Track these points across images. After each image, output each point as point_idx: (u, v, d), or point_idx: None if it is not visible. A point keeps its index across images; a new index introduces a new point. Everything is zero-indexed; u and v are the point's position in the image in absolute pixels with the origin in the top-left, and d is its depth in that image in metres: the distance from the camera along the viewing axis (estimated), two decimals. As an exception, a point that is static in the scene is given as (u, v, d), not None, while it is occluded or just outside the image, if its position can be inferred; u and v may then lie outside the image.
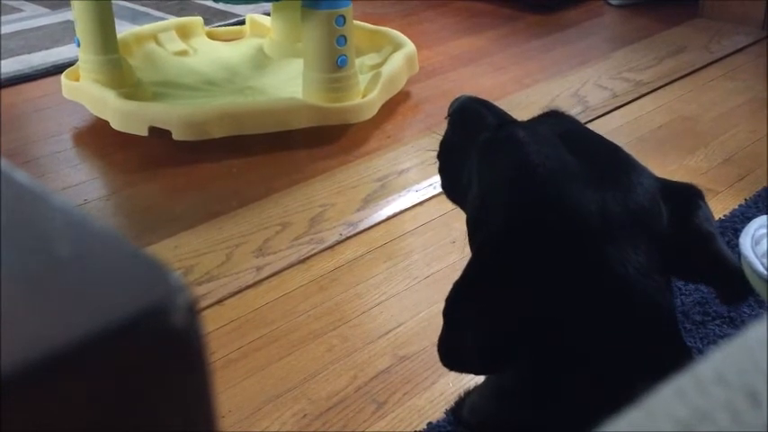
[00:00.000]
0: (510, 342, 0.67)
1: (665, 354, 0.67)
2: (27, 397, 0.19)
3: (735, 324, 1.11)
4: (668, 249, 0.67)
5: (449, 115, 0.84)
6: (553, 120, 0.76)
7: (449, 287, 0.81)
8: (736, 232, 1.27)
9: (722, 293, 0.74)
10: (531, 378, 0.69)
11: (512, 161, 0.71)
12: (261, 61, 1.95)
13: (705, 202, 0.72)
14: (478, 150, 0.76)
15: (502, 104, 1.98)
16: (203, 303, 1.18)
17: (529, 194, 0.68)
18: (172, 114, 1.58)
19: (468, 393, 0.82)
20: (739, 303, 0.93)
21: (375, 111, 1.69)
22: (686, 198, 0.71)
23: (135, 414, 0.21)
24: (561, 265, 0.65)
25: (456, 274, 0.69)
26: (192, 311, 0.21)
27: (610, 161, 0.70)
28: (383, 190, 1.48)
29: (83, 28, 1.66)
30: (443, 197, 1.45)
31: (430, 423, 0.97)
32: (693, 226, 0.70)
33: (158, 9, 2.42)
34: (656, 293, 0.66)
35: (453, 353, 0.70)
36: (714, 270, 0.71)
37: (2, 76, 1.97)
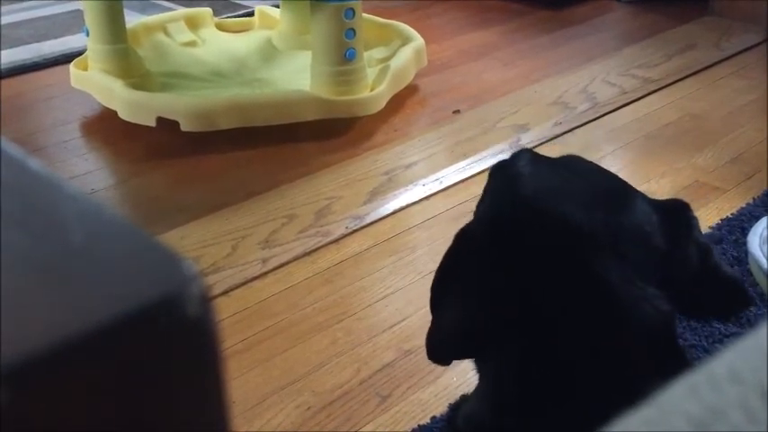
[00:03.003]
0: (480, 328, 0.68)
1: (653, 359, 0.67)
2: (42, 384, 0.19)
3: (740, 322, 1.11)
4: (667, 266, 0.67)
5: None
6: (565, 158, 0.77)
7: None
8: (744, 231, 1.27)
9: (720, 307, 0.73)
10: (517, 382, 0.70)
11: (509, 173, 0.73)
12: (269, 53, 1.95)
13: (693, 215, 0.72)
14: (490, 173, 0.78)
15: (510, 100, 1.98)
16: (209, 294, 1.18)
17: (510, 194, 0.71)
18: (180, 105, 1.58)
19: (463, 401, 0.82)
20: (739, 312, 0.92)
21: (383, 104, 1.69)
22: (679, 215, 0.71)
23: (149, 402, 0.21)
24: (534, 260, 0.66)
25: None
26: (206, 301, 0.21)
27: (604, 181, 0.71)
28: (390, 184, 1.48)
29: (92, 17, 1.66)
30: (450, 191, 1.46)
31: (434, 417, 0.97)
32: (690, 241, 0.70)
33: (167, 0, 2.42)
34: (641, 301, 0.66)
35: (434, 338, 0.71)
36: (714, 281, 0.71)
37: (11, 65, 1.97)
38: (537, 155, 0.78)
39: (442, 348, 0.73)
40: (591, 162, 0.77)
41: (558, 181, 0.70)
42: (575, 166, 0.74)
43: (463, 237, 0.71)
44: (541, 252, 0.66)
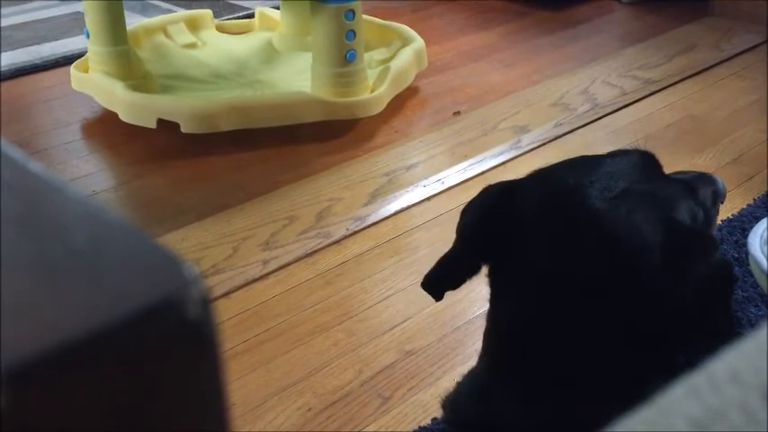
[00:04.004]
0: (460, 257, 0.76)
1: (618, 356, 0.68)
2: (44, 385, 0.19)
3: (741, 324, 1.11)
4: (653, 284, 0.66)
5: None
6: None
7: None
8: (744, 232, 1.27)
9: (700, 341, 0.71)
10: (494, 370, 0.74)
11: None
12: (269, 55, 1.95)
13: (707, 257, 0.68)
14: None
15: (511, 101, 1.98)
16: (210, 296, 1.18)
17: (539, 170, 0.76)
18: (180, 107, 1.58)
19: (452, 391, 0.83)
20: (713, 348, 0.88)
21: (383, 106, 1.69)
22: (688, 244, 0.68)
23: (149, 403, 0.21)
24: (530, 217, 0.71)
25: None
26: (206, 303, 0.21)
27: (639, 185, 0.71)
28: (391, 185, 1.48)
29: (92, 19, 1.66)
30: (451, 192, 1.46)
31: (434, 419, 0.97)
32: (685, 280, 0.67)
33: (168, 1, 2.42)
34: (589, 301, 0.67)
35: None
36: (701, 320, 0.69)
37: (11, 67, 1.97)
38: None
39: (430, 276, 0.79)
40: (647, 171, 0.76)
41: (592, 176, 0.70)
42: (623, 168, 0.73)
43: (484, 188, 0.77)
44: (533, 217, 0.71)
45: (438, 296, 0.81)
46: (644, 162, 0.74)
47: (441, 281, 0.79)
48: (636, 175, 0.71)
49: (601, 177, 0.69)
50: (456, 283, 0.78)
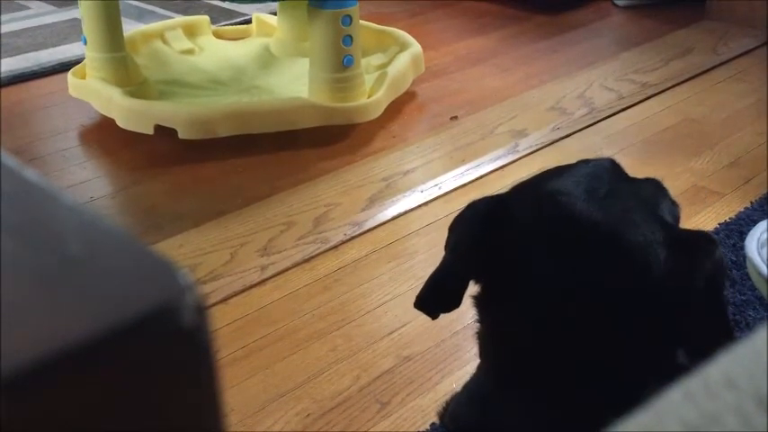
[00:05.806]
0: (452, 276, 0.75)
1: (603, 357, 0.68)
2: (39, 393, 0.19)
3: (739, 327, 1.11)
4: (657, 291, 0.66)
5: None
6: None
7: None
8: (742, 235, 1.27)
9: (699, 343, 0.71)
10: (493, 381, 0.73)
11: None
12: (267, 60, 1.95)
13: (713, 255, 0.68)
14: None
15: (508, 105, 1.98)
16: (208, 302, 1.18)
17: (527, 181, 0.75)
18: (178, 113, 1.58)
19: (450, 401, 0.83)
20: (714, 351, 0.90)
21: (381, 111, 1.69)
22: (690, 251, 0.68)
23: (144, 410, 0.21)
24: (521, 230, 0.71)
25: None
26: (201, 310, 0.21)
27: (625, 192, 0.71)
28: (388, 190, 1.48)
29: (90, 26, 1.66)
30: (448, 197, 1.46)
31: (433, 424, 0.97)
32: (687, 284, 0.67)
33: (165, 8, 2.42)
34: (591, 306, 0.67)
35: (422, 288, 0.78)
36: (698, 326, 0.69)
37: (9, 74, 1.97)
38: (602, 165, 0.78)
39: (422, 295, 0.78)
40: (630, 179, 0.76)
41: (575, 181, 0.71)
42: (600, 172, 0.73)
43: (470, 204, 0.77)
44: (529, 224, 0.70)
45: (433, 315, 0.80)
46: (614, 167, 0.75)
47: (434, 300, 0.78)
48: (613, 177, 0.73)
49: (584, 181, 0.70)
50: (451, 302, 0.76)
